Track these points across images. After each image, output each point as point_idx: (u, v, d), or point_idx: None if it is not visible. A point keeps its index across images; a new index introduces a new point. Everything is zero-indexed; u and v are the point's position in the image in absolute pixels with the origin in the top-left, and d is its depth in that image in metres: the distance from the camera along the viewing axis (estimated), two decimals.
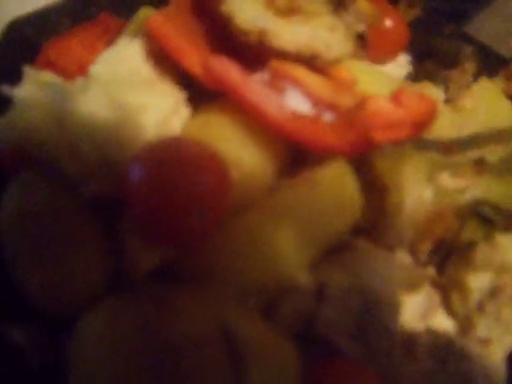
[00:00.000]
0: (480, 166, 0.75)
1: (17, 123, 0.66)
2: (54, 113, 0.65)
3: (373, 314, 0.66)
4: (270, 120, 0.65)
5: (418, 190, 0.71)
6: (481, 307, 0.70)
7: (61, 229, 0.63)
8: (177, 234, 0.61)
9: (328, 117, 0.67)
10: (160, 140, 0.63)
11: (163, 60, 0.72)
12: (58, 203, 0.64)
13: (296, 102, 0.67)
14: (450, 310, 0.72)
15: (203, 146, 0.62)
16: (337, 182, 0.66)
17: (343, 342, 0.65)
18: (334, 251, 0.70)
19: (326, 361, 0.63)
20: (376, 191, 0.72)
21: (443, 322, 0.71)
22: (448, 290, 0.73)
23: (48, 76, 0.72)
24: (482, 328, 0.69)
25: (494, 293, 0.70)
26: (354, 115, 0.66)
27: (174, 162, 0.59)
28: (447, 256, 0.75)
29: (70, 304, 0.63)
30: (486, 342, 0.68)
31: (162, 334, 0.54)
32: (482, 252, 0.71)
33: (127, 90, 0.67)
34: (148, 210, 0.59)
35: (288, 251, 0.64)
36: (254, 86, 0.66)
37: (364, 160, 0.72)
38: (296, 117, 0.66)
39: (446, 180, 0.72)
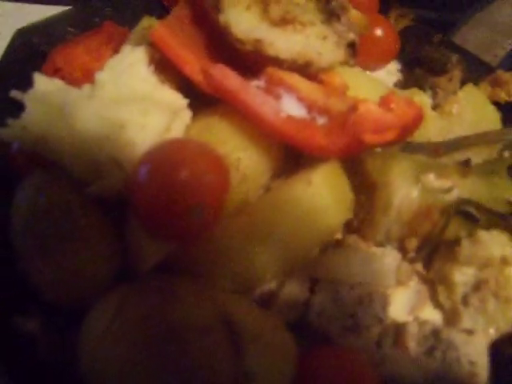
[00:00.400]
0: (465, 167, 0.77)
1: (28, 128, 0.68)
2: (62, 120, 0.67)
3: (364, 306, 0.70)
4: (267, 124, 0.68)
5: (406, 190, 0.74)
6: (465, 300, 0.73)
7: (71, 226, 0.65)
8: (177, 231, 0.64)
9: (321, 120, 0.70)
10: (163, 142, 0.66)
11: (165, 68, 0.75)
12: (68, 203, 0.66)
13: (291, 107, 0.70)
14: (437, 303, 0.76)
15: (204, 148, 0.65)
16: (329, 182, 0.69)
17: (335, 331, 0.68)
18: (327, 247, 0.74)
19: (320, 348, 0.66)
20: (366, 191, 0.75)
21: (431, 314, 0.75)
22: (435, 284, 0.76)
23: (56, 83, 0.74)
24: (467, 319, 0.72)
25: (477, 287, 0.73)
26: (345, 119, 0.69)
27: (175, 163, 0.62)
28: (433, 252, 0.78)
29: (80, 297, 0.66)
30: (470, 333, 0.71)
31: (166, 322, 0.57)
32: (466, 248, 0.74)
33: (131, 99, 0.69)
34: (151, 208, 0.62)
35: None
36: (251, 92, 0.69)
37: (355, 161, 0.75)
38: (291, 120, 0.69)
39: (432, 180, 0.75)
